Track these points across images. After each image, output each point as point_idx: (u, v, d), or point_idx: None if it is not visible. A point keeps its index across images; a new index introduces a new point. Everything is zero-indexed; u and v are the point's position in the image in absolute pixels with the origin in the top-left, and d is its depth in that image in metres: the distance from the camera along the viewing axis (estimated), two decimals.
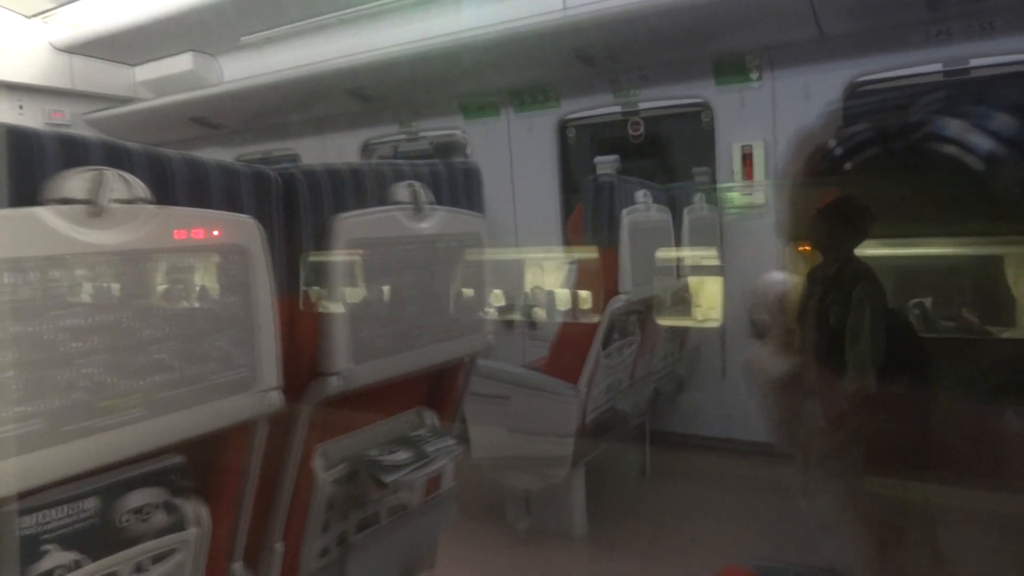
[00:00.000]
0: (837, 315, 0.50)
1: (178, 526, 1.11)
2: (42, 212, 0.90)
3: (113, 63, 5.18)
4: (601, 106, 3.97)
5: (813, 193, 0.52)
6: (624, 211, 2.65)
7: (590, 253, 2.68)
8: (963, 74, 3.05)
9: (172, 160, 1.09)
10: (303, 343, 1.33)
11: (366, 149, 4.77)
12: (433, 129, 4.54)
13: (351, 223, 1.36)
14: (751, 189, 3.51)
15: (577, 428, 2.66)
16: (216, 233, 1.12)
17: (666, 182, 3.64)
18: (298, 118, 4.85)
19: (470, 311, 1.71)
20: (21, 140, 0.91)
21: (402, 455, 1.55)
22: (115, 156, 1.00)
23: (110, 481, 1.02)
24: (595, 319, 2.58)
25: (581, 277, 2.82)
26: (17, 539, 0.92)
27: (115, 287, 0.97)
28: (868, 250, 0.50)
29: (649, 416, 3.40)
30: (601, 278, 2.64)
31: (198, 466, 1.15)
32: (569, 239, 3.88)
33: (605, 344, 2.67)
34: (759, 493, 2.90)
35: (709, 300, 3.29)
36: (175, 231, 1.07)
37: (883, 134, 0.47)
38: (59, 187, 0.92)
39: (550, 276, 3.28)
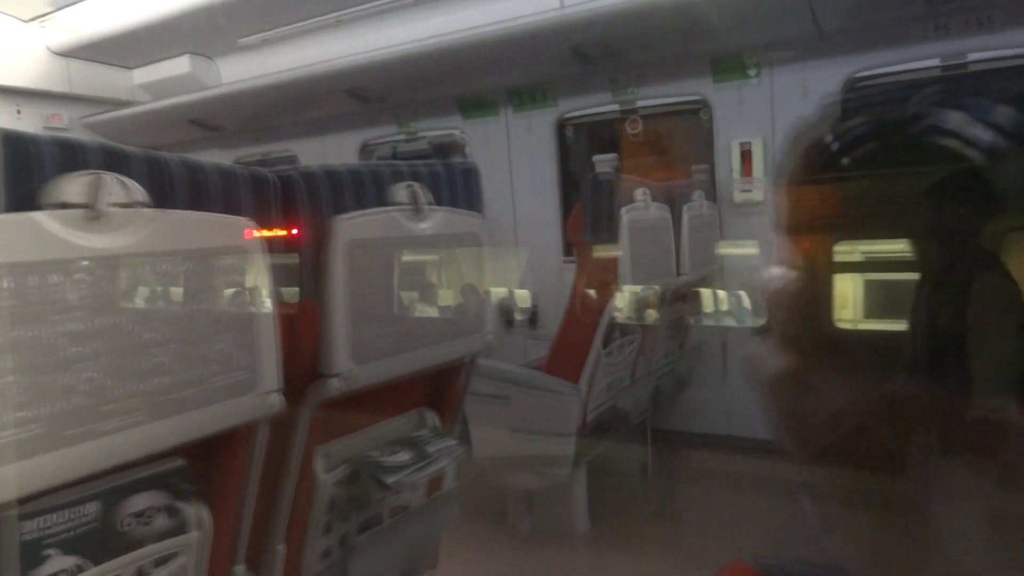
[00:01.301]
0: (950, 317, 0.42)
1: (180, 529, 1.11)
2: (40, 217, 0.90)
3: (110, 66, 5.17)
4: (599, 105, 3.97)
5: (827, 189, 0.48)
6: (623, 209, 2.65)
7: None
8: (961, 69, 3.05)
9: (170, 163, 1.09)
10: (303, 345, 1.32)
11: (365, 150, 4.77)
12: (432, 129, 4.54)
13: (350, 224, 1.36)
14: (750, 185, 3.51)
15: (578, 427, 2.66)
16: (295, 232, 1.20)
17: (665, 180, 3.63)
18: (296, 119, 4.85)
19: (470, 311, 1.71)
20: (19, 144, 0.91)
21: (404, 456, 1.55)
22: (113, 160, 1.00)
23: (111, 485, 1.02)
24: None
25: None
26: (19, 544, 0.92)
27: (114, 291, 0.97)
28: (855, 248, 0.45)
29: (650, 414, 3.40)
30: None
31: (199, 469, 1.15)
32: (569, 237, 3.88)
33: (606, 343, 2.67)
34: (761, 491, 2.90)
35: (842, 298, 3.24)
36: (246, 231, 1.14)
37: (881, 128, 0.46)
38: (57, 191, 0.92)
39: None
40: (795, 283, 0.50)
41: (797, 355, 0.50)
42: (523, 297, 3.59)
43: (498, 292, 3.42)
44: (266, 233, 1.19)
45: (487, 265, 1.74)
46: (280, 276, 1.26)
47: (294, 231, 1.20)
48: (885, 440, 0.45)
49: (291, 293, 1.31)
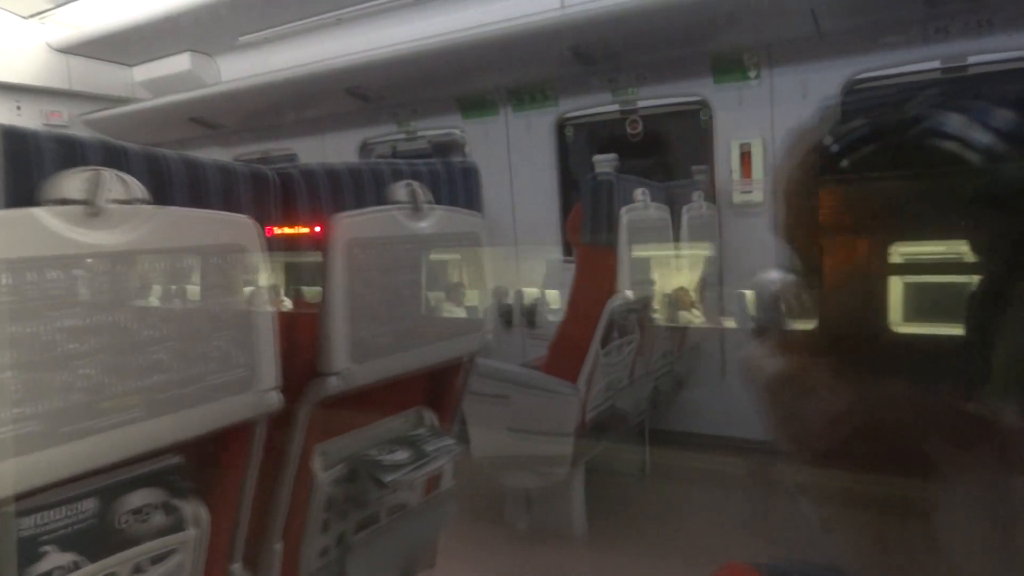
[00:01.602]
0: (983, 316, 0.40)
1: (177, 527, 1.11)
2: (40, 213, 0.90)
3: (110, 63, 5.17)
4: (599, 105, 3.97)
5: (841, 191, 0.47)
6: (623, 209, 2.65)
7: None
8: (961, 71, 3.05)
9: (170, 160, 1.09)
10: (302, 343, 1.32)
11: (364, 148, 4.77)
12: (431, 128, 4.54)
13: (350, 223, 1.36)
14: (749, 186, 3.51)
15: (577, 427, 2.66)
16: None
17: (665, 180, 3.64)
18: (296, 118, 4.85)
19: (469, 310, 1.71)
20: (19, 141, 0.91)
21: (402, 455, 1.55)
22: (113, 156, 1.00)
23: (109, 482, 1.02)
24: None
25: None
26: (16, 540, 0.92)
27: (113, 287, 0.97)
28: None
29: (648, 415, 3.40)
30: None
31: (197, 466, 1.15)
32: (568, 238, 3.88)
33: (604, 343, 2.67)
34: (759, 491, 2.90)
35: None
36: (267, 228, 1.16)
37: (880, 130, 0.46)
38: (57, 187, 0.92)
39: (684, 275, 3.11)
40: (798, 285, 0.50)
41: (800, 356, 0.50)
42: (554, 298, 3.57)
43: (531, 293, 3.39)
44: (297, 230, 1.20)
45: (488, 264, 1.74)
46: (280, 274, 1.26)
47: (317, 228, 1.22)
48: (920, 448, 0.44)
49: (292, 291, 1.32)
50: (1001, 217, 0.41)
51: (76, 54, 4.99)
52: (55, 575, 0.96)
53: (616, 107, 3.95)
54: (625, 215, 2.65)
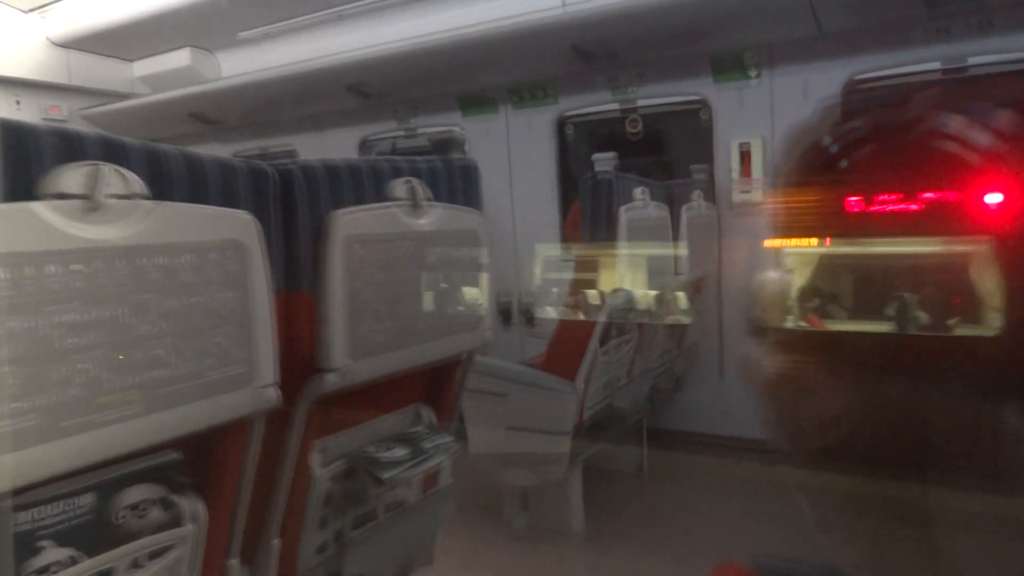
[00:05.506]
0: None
1: (175, 522, 1.11)
2: (38, 207, 0.90)
3: (110, 58, 5.16)
4: (600, 103, 3.97)
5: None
6: (622, 208, 2.65)
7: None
8: (961, 72, 3.05)
9: (169, 155, 1.08)
10: (300, 339, 1.32)
11: (364, 145, 4.77)
12: (431, 125, 4.53)
13: (349, 219, 1.36)
14: (749, 186, 3.51)
15: (575, 425, 2.66)
16: None
17: (664, 179, 3.64)
18: (296, 114, 4.85)
19: (468, 308, 1.71)
20: (18, 135, 0.91)
21: (399, 451, 1.55)
22: (112, 151, 1.00)
23: (106, 477, 1.02)
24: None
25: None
26: (12, 535, 0.92)
27: (111, 282, 0.97)
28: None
29: (647, 413, 3.40)
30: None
31: (195, 462, 1.15)
32: (567, 236, 3.88)
33: (603, 341, 2.67)
34: (756, 490, 2.90)
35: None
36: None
37: (880, 130, 0.46)
38: (55, 182, 0.92)
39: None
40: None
41: (797, 356, 0.50)
42: (681, 300, 3.37)
43: (648, 296, 3.28)
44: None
45: (487, 261, 1.74)
46: (278, 270, 1.26)
47: None
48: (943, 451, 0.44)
49: (290, 287, 1.31)
50: None
51: (76, 49, 4.98)
52: (52, 570, 0.96)
53: (616, 106, 3.94)
54: (624, 214, 2.65)
